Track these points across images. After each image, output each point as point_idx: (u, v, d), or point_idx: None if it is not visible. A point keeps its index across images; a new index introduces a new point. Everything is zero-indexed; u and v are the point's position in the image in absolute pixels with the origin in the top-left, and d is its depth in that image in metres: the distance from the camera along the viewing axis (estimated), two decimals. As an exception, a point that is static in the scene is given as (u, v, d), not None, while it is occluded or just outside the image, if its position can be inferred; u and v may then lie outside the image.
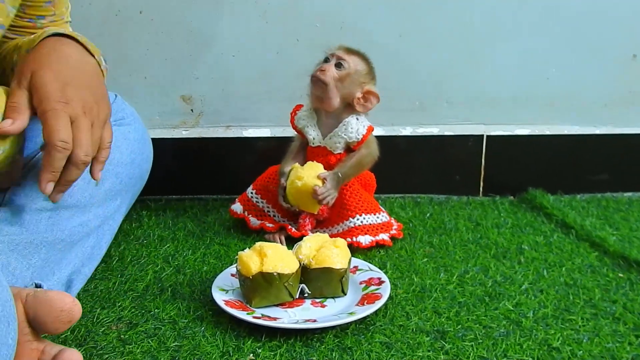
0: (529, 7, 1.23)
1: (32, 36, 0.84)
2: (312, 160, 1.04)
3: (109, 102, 0.80)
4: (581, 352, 0.73)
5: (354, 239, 1.00)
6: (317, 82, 1.01)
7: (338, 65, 1.01)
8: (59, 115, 0.71)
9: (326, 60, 1.03)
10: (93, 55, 0.81)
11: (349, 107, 1.04)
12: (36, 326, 0.63)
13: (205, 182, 1.27)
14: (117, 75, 1.19)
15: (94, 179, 0.78)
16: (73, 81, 0.74)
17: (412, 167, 1.28)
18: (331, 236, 0.89)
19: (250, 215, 1.08)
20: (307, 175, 0.99)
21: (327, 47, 1.04)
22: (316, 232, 1.01)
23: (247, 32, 1.21)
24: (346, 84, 1.01)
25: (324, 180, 0.99)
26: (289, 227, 1.05)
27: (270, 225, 1.07)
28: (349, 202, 1.03)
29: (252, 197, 1.09)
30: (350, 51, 1.03)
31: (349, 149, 1.05)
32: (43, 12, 0.88)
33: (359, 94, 1.02)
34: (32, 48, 0.78)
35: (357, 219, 1.02)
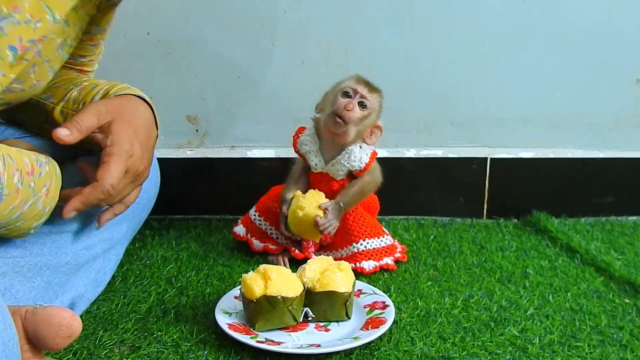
0: (534, 30, 1.24)
1: (98, 85, 0.86)
2: (314, 187, 1.04)
3: (149, 170, 0.84)
4: (588, 380, 0.72)
5: (358, 264, 1.00)
6: (341, 121, 0.98)
7: (361, 105, 0.99)
8: (121, 163, 0.75)
9: (347, 94, 0.99)
10: (156, 122, 0.86)
11: (357, 138, 1.02)
12: (36, 342, 0.63)
13: (209, 202, 1.27)
14: (123, 95, 1.20)
15: (97, 223, 0.82)
16: (142, 141, 0.79)
17: (416, 188, 1.28)
18: (335, 260, 0.89)
19: (253, 238, 1.08)
20: (309, 205, 0.99)
21: (344, 77, 1.03)
22: (319, 255, 1.01)
23: (253, 54, 1.22)
24: (365, 122, 1.00)
25: (325, 210, 0.99)
26: (293, 248, 1.05)
27: (274, 247, 1.07)
28: (352, 227, 1.03)
29: (254, 219, 1.09)
30: (372, 89, 1.01)
31: (352, 175, 1.04)
32: (86, 53, 0.94)
33: (369, 130, 1.02)
34: (116, 96, 0.82)
35: (361, 244, 1.02)
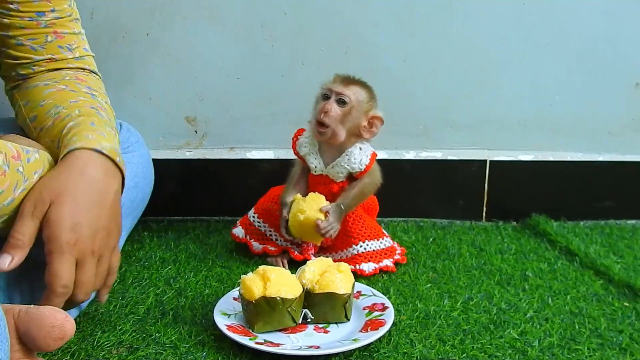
0: (534, 33, 1.24)
1: (69, 119, 0.80)
2: (314, 189, 1.03)
3: (120, 226, 0.78)
4: (588, 383, 0.72)
5: (357, 266, 1.00)
6: (321, 127, 0.98)
7: (340, 102, 0.99)
8: (64, 258, 0.69)
9: (325, 96, 1.00)
10: (120, 169, 0.78)
11: (352, 135, 1.02)
12: (27, 342, 0.62)
13: (208, 203, 1.26)
14: (123, 96, 1.20)
15: (100, 301, 0.78)
16: (89, 216, 0.72)
17: (416, 191, 1.28)
18: (334, 261, 0.88)
19: (252, 240, 1.08)
20: (309, 208, 0.98)
21: (323, 82, 1.02)
22: (319, 256, 1.00)
23: (252, 55, 1.22)
24: (351, 117, 0.99)
25: (326, 213, 0.98)
26: (292, 250, 1.05)
27: (273, 248, 1.06)
28: (352, 229, 1.03)
29: (253, 220, 1.09)
30: (348, 81, 1.00)
31: (352, 176, 1.04)
32: (40, 8, 0.86)
33: (364, 122, 1.01)
34: (59, 162, 0.74)
35: (360, 246, 1.02)
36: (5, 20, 0.85)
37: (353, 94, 0.99)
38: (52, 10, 0.87)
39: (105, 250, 0.74)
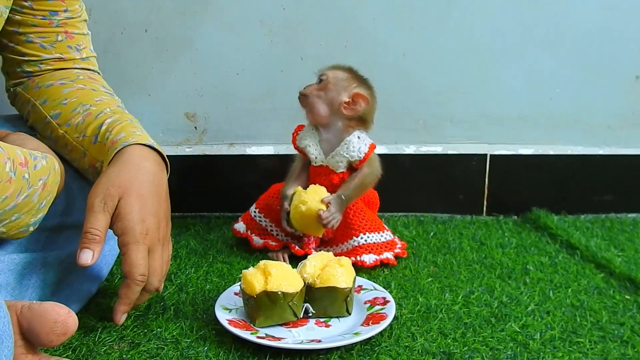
0: (533, 27, 1.24)
1: (103, 116, 0.84)
2: (315, 181, 1.04)
3: (169, 217, 0.82)
4: (590, 375, 0.72)
5: (358, 257, 1.00)
6: (300, 98, 1.04)
7: (319, 81, 1.04)
8: (140, 249, 0.74)
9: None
10: (165, 162, 0.84)
11: (347, 123, 1.03)
12: (30, 338, 0.62)
13: (208, 199, 1.26)
14: (122, 92, 1.16)
15: (158, 290, 0.81)
16: (153, 208, 0.77)
17: (416, 185, 1.28)
18: (335, 255, 0.88)
19: (253, 235, 1.08)
20: (311, 199, 0.99)
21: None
22: (320, 250, 1.00)
23: (251, 50, 1.22)
24: (327, 91, 1.03)
25: (328, 204, 0.99)
26: (293, 245, 1.05)
27: (274, 243, 1.06)
28: (352, 221, 1.03)
29: (255, 216, 1.09)
30: (334, 67, 1.06)
31: (352, 167, 1.04)
32: (53, 7, 0.87)
33: (345, 98, 1.02)
34: (116, 156, 0.78)
35: (361, 238, 1.02)
36: (17, 17, 0.85)
37: (332, 73, 1.04)
38: (65, 10, 0.89)
39: (166, 238, 0.80)
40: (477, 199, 1.28)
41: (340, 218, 1.00)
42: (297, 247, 1.04)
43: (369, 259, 1.00)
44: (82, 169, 0.85)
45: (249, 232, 1.08)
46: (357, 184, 1.02)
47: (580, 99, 1.28)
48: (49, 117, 0.86)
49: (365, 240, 1.02)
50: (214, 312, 0.81)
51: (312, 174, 1.06)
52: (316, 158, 1.05)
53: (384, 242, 1.03)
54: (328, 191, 1.01)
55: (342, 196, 1.00)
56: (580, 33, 1.25)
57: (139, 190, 0.76)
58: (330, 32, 1.22)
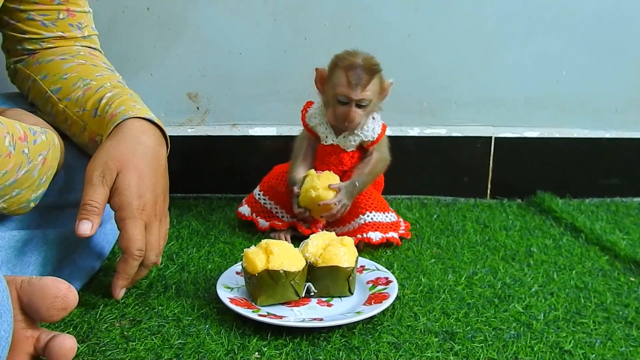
0: (540, 9, 1.22)
1: (103, 90, 0.83)
2: (323, 160, 1.03)
3: (167, 191, 0.82)
4: (594, 355, 0.71)
5: (365, 235, 0.99)
6: (349, 125, 0.99)
7: (360, 106, 0.98)
8: (137, 224, 0.74)
9: (341, 102, 0.98)
10: (165, 137, 0.83)
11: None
12: (30, 313, 0.62)
13: (210, 180, 1.26)
14: (124, 72, 1.15)
15: (156, 264, 0.82)
16: (151, 183, 0.77)
17: (420, 168, 1.27)
18: (342, 234, 0.88)
19: (258, 217, 1.07)
20: (323, 186, 0.98)
21: (335, 86, 0.98)
22: (327, 230, 1.00)
23: (254, 31, 1.21)
24: (371, 106, 1.00)
25: (337, 190, 0.98)
26: (300, 224, 1.04)
27: (280, 224, 1.06)
28: (359, 200, 1.02)
29: (259, 198, 1.08)
30: (366, 83, 0.97)
31: (362, 147, 1.03)
32: (44, 9, 0.87)
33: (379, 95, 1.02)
34: (115, 130, 0.77)
35: (368, 216, 1.01)
36: None
37: (370, 92, 0.98)
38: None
39: (163, 213, 0.80)
40: (482, 182, 1.28)
41: (349, 205, 1.00)
42: (304, 227, 1.03)
43: (375, 236, 0.99)
44: (82, 143, 0.85)
45: (254, 215, 1.07)
46: (369, 170, 1.02)
47: (587, 81, 1.27)
48: (49, 91, 0.85)
49: (372, 219, 1.01)
50: (215, 290, 0.81)
51: (321, 152, 1.05)
52: (327, 137, 1.04)
53: (388, 222, 1.02)
54: (337, 169, 1.02)
55: (356, 182, 1.00)
56: (588, 15, 1.23)
57: (137, 164, 0.76)
58: (334, 13, 1.20)
